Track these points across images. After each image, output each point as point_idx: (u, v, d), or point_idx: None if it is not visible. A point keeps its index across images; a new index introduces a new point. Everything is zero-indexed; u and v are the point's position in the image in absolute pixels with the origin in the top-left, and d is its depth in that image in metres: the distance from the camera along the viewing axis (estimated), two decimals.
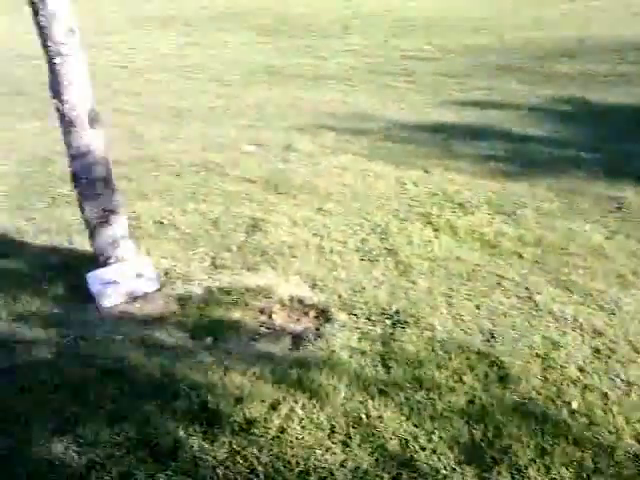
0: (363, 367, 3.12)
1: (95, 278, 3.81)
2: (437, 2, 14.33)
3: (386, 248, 4.26)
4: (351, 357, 3.20)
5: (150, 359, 3.28)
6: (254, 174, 5.42)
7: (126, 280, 3.83)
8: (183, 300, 3.81)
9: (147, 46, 10.75)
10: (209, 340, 3.46)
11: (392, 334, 3.36)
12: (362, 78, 8.56)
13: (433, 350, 3.22)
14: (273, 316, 3.66)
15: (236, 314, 3.66)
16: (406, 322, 3.45)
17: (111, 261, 3.91)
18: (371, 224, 4.58)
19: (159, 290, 3.91)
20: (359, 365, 3.13)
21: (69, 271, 4.12)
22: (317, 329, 3.52)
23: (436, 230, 4.48)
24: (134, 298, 3.84)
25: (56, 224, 4.78)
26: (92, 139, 3.63)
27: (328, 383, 3.00)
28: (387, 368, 3.11)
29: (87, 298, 3.81)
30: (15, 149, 6.49)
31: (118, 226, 3.89)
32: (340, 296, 3.74)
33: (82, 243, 4.39)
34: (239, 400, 2.93)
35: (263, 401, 2.91)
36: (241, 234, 4.52)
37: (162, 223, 4.70)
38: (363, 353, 3.22)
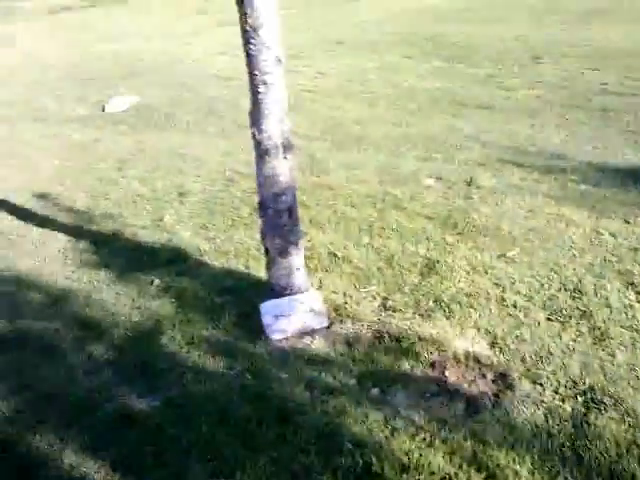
0: (549, 451, 2.73)
1: (268, 309, 3.77)
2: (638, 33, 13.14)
3: (578, 308, 3.78)
4: (535, 436, 2.82)
5: (315, 405, 3.14)
6: (433, 210, 5.15)
7: (298, 314, 3.75)
8: (351, 342, 3.64)
9: (333, 71, 10.91)
10: (376, 391, 3.25)
11: (585, 415, 2.93)
12: (553, 112, 7.96)
13: (635, 442, 2.75)
14: (446, 373, 3.37)
15: (406, 365, 3.42)
16: (602, 402, 2.99)
17: (285, 292, 3.85)
18: (561, 278, 4.12)
19: (328, 328, 3.79)
20: (545, 448, 2.74)
21: (242, 297, 4.13)
22: (496, 395, 3.17)
23: (639, 294, 3.91)
24: (303, 334, 3.74)
25: (235, 247, 4.86)
26: (283, 170, 3.60)
27: (508, 465, 2.66)
28: (579, 457, 2.69)
29: (257, 327, 3.78)
30: (203, 167, 6.80)
31: (296, 258, 3.83)
32: (523, 360, 3.36)
33: (258, 269, 4.41)
34: (406, 468, 2.68)
35: (433, 473, 2.65)
36: (415, 275, 4.27)
37: (336, 255, 4.58)
38: (550, 434, 2.83)
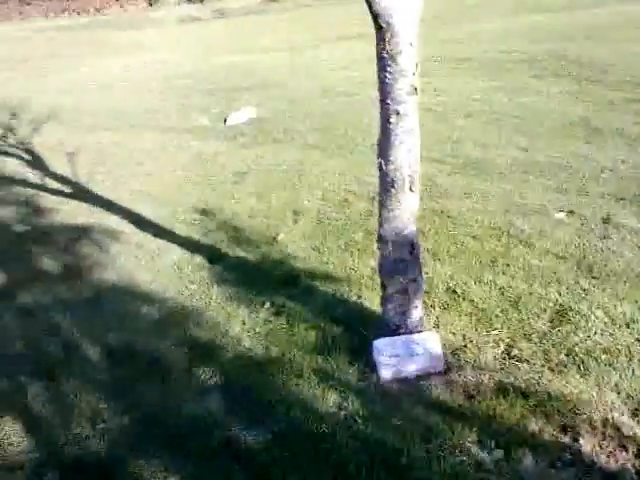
0: None
1: (381, 347, 3.53)
2: None
3: None
4: None
5: (431, 461, 2.88)
6: (565, 249, 4.71)
7: (413, 355, 3.49)
8: (472, 392, 3.34)
9: (455, 89, 10.54)
10: (499, 453, 2.93)
11: None
12: None
13: None
14: (580, 439, 2.99)
15: (533, 425, 3.08)
16: None
17: (400, 331, 3.61)
18: None
19: (446, 373, 3.50)
20: None
21: (354, 330, 3.93)
22: None
23: None
24: (419, 377, 3.48)
25: (347, 273, 4.68)
26: (408, 203, 3.38)
27: None
28: None
29: (368, 364, 3.57)
30: (318, 185, 6.69)
31: (414, 296, 3.58)
32: None
33: (371, 300, 4.20)
34: None
35: None
36: (544, 322, 3.88)
37: (455, 292, 4.28)
38: None
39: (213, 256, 5.23)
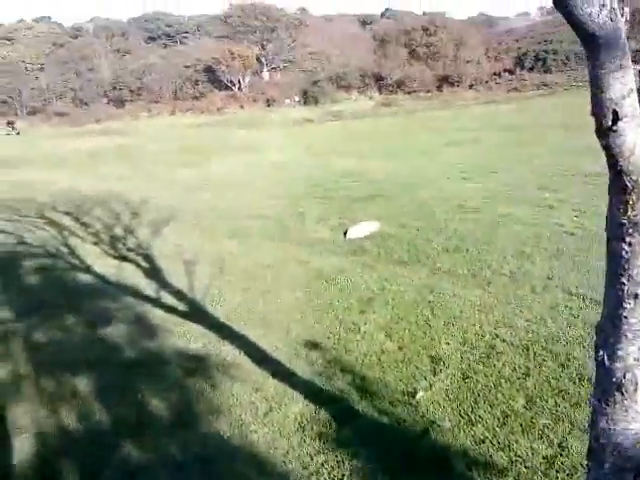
0: None
1: None
2: None
3: None
4: None
5: None
6: None
7: None
8: None
9: (594, 208, 9.49)
10: None
11: None
12: None
13: None
14: None
15: None
16: None
17: None
18: None
19: None
20: None
21: None
22: None
23: None
24: None
25: (512, 460, 3.74)
26: (637, 414, 2.51)
27: None
28: None
29: None
30: (457, 323, 5.85)
31: None
32: None
33: None
34: None
35: None
36: None
37: None
38: None
39: (341, 413, 4.45)
